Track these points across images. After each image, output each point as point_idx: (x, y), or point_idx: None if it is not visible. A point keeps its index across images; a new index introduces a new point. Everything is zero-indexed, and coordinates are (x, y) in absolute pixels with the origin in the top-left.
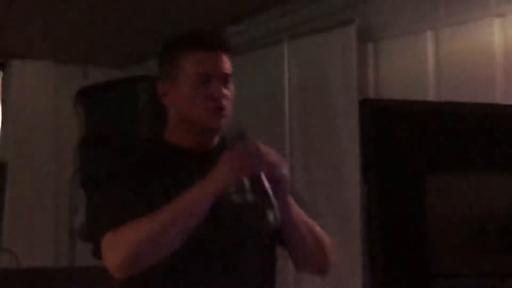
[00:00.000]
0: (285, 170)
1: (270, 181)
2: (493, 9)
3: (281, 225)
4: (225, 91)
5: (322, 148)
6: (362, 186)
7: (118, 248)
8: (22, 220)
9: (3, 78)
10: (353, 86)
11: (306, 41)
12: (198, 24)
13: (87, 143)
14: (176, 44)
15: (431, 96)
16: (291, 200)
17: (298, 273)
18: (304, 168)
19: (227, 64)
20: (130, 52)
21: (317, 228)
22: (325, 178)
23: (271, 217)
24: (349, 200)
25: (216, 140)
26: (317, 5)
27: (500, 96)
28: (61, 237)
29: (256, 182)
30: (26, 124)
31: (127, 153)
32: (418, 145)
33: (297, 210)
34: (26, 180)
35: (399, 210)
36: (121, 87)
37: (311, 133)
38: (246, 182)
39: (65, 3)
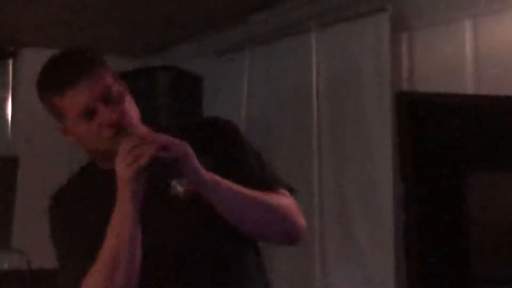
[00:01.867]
0: (180, 148)
1: (168, 162)
2: None
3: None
4: (117, 111)
5: (352, 144)
6: (399, 184)
7: None
8: (33, 219)
9: (13, 67)
10: (386, 78)
11: (335, 30)
12: (220, 13)
13: None
14: (43, 89)
15: (469, 89)
16: (210, 175)
17: (324, 269)
18: (333, 166)
19: (102, 82)
20: (147, 41)
21: (266, 197)
22: (356, 177)
23: (180, 193)
24: (382, 200)
25: None
26: None
27: None
28: None
29: (154, 167)
30: (37, 116)
31: (58, 209)
32: (458, 142)
33: (226, 185)
34: (38, 176)
35: (438, 211)
36: (141, 77)
37: (340, 129)
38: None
39: None
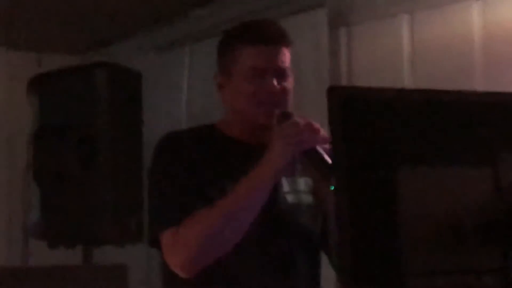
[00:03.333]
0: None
1: (320, 159)
2: None
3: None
4: (281, 85)
5: None
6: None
7: (180, 247)
8: None
9: None
10: (325, 73)
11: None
12: (160, 9)
13: (41, 135)
14: (234, 36)
15: (407, 84)
16: None
17: None
18: None
19: (284, 57)
20: (87, 38)
21: None
22: None
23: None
24: None
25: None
26: None
27: (479, 83)
28: (14, 235)
29: (313, 156)
30: None
31: (179, 148)
32: (390, 136)
33: None
34: None
35: (369, 205)
36: (78, 74)
37: None
38: (301, 182)
39: None
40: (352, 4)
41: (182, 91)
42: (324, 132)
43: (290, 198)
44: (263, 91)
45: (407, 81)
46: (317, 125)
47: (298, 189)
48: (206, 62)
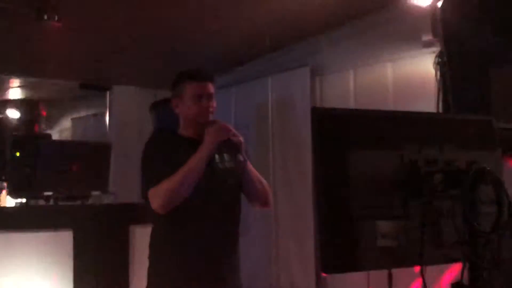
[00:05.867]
0: (241, 139)
1: (233, 144)
2: (386, 56)
3: (243, 172)
4: (210, 104)
5: (291, 146)
6: (313, 160)
7: (158, 196)
8: (121, 175)
9: (109, 95)
10: (307, 103)
11: (281, 76)
12: (218, 64)
13: (156, 134)
14: (183, 76)
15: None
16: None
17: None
18: (281, 161)
19: (211, 88)
20: None
21: (261, 177)
22: (296, 167)
23: (239, 168)
24: (308, 180)
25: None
26: (287, 55)
27: (391, 107)
28: None
29: (228, 143)
30: (122, 123)
31: (158, 144)
32: (347, 135)
33: (250, 165)
34: (122, 154)
35: (334, 174)
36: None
37: (285, 136)
38: (225, 156)
39: (144, 53)
40: (322, 64)
41: (231, 113)
42: (234, 131)
43: (220, 165)
44: (202, 108)
45: (352, 106)
46: (229, 126)
47: (224, 160)
48: (243, 96)
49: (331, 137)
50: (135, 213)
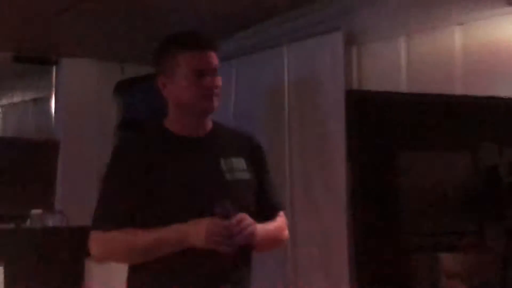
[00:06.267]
0: (251, 230)
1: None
2: (454, 18)
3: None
4: (215, 81)
5: (313, 132)
6: (347, 163)
7: (100, 248)
8: (72, 186)
9: (56, 73)
10: (340, 81)
11: (301, 44)
12: (214, 30)
13: (123, 126)
14: (174, 43)
15: (404, 90)
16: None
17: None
18: (299, 150)
19: (216, 60)
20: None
21: (278, 228)
22: (316, 155)
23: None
24: (337, 175)
25: (209, 126)
26: (311, 15)
27: (458, 89)
28: None
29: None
30: (74, 110)
31: (130, 156)
32: (394, 129)
33: (261, 235)
34: (75, 155)
35: (377, 183)
36: (150, 81)
37: (305, 121)
38: (234, 161)
39: (106, 13)
40: (361, 28)
41: (231, 94)
42: (250, 230)
43: (227, 175)
44: (204, 87)
45: (404, 88)
46: (245, 225)
47: (232, 169)
48: (248, 73)
49: (373, 131)
50: None
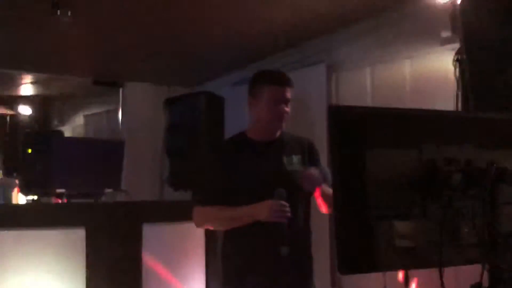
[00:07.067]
0: (317, 182)
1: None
2: (404, 54)
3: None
4: (286, 109)
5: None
6: (329, 161)
7: (200, 218)
8: (134, 173)
9: (122, 92)
10: (324, 101)
11: (297, 73)
12: (234, 60)
13: (169, 130)
14: (263, 77)
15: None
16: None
17: None
18: None
19: (289, 94)
20: (195, 76)
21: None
22: None
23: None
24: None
25: (278, 133)
26: (302, 52)
27: (408, 106)
28: (156, 183)
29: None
30: (135, 119)
31: (219, 149)
32: (363, 133)
33: (324, 189)
34: (135, 150)
35: (352, 180)
36: (188, 98)
37: (300, 133)
38: (294, 157)
39: (158, 49)
40: (339, 61)
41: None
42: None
43: (288, 167)
44: (278, 112)
45: (369, 104)
46: (285, 206)
47: (292, 162)
48: None
49: (348, 136)
50: (147, 211)
